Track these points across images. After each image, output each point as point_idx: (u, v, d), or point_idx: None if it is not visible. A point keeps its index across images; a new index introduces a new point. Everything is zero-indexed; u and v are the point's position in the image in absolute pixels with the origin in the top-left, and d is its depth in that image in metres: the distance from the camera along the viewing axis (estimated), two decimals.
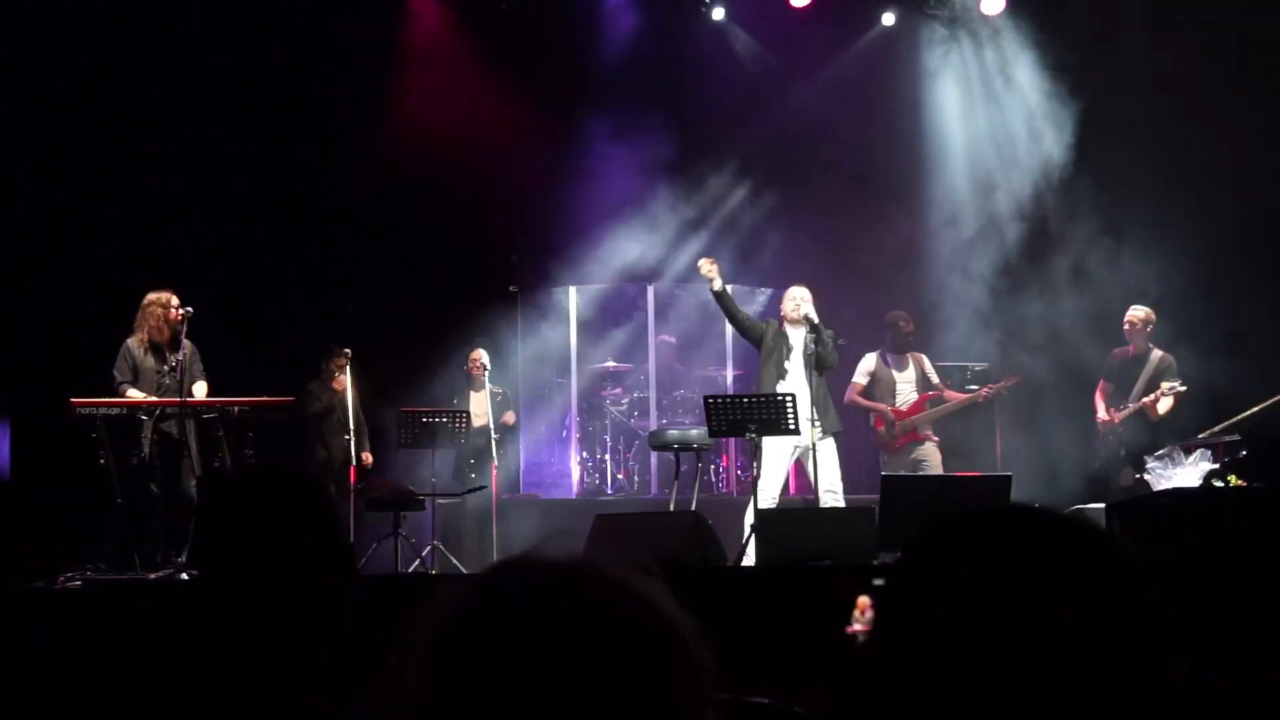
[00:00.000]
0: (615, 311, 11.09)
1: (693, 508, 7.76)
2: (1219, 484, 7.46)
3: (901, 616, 1.08)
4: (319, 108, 10.16)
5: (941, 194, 10.90)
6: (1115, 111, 10.17)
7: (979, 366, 9.68)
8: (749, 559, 6.90)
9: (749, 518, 7.36)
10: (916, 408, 8.87)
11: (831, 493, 7.86)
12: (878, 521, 6.67)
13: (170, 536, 7.61)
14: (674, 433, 8.73)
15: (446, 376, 9.85)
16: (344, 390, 8.92)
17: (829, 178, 10.72)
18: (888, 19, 11.01)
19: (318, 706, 1.86)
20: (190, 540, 7.44)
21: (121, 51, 9.68)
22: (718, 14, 11.00)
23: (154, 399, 7.77)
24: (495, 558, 7.68)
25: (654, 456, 10.19)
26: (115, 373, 7.88)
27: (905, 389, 8.91)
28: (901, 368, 8.97)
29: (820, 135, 10.77)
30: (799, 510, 8.22)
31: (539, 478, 10.81)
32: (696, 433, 8.33)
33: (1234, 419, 8.21)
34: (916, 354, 9.06)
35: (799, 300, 8.10)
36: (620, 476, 10.51)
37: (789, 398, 7.42)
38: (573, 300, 10.91)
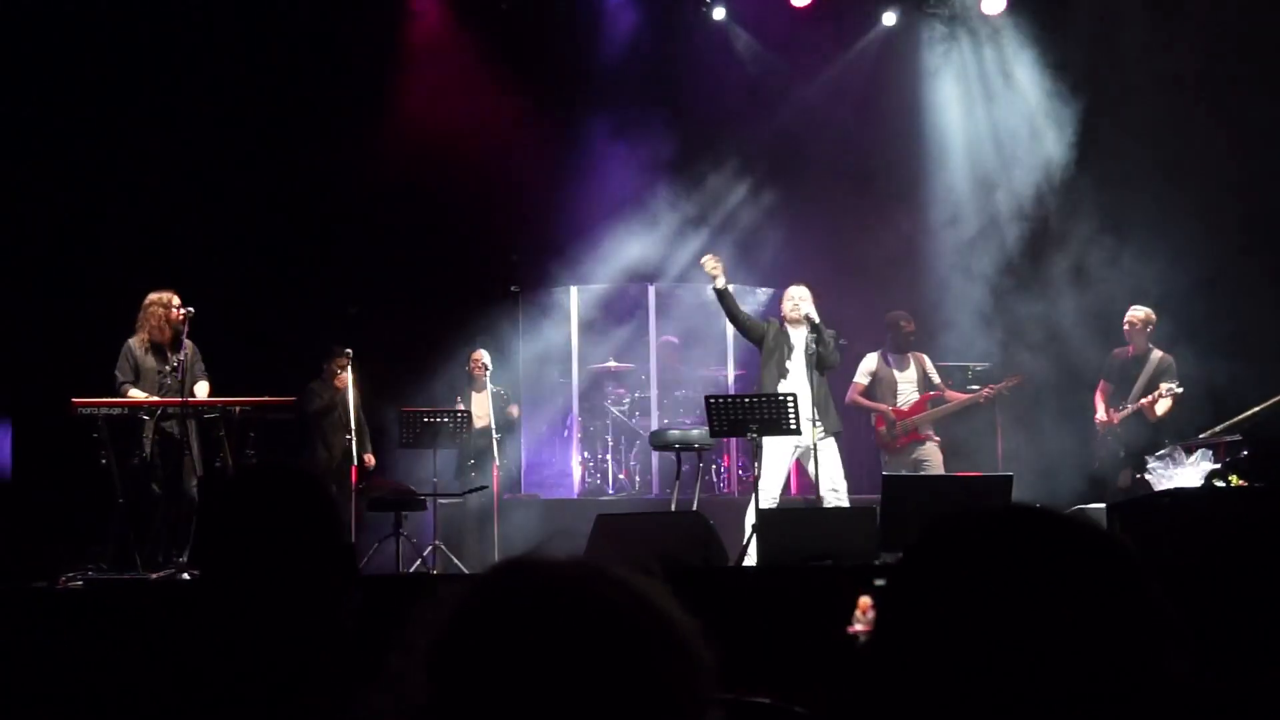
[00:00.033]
0: (616, 311, 11.08)
1: (694, 508, 7.77)
2: (1220, 484, 7.47)
3: (903, 617, 1.08)
4: (319, 108, 10.17)
5: (942, 193, 10.89)
6: (1117, 110, 10.16)
7: (980, 366, 9.67)
8: (750, 559, 6.90)
9: (750, 518, 7.37)
10: (918, 408, 8.86)
11: (835, 491, 7.86)
12: (879, 521, 6.67)
13: (172, 536, 7.62)
14: (675, 433, 8.74)
15: (448, 376, 9.85)
16: (345, 387, 8.93)
17: (830, 177, 10.72)
18: (888, 18, 11.01)
19: (318, 706, 1.86)
20: (191, 540, 7.46)
21: (121, 51, 9.69)
22: (718, 13, 11.00)
23: (155, 399, 7.77)
24: (496, 558, 7.67)
25: (655, 456, 10.19)
26: (117, 373, 7.89)
27: (906, 389, 8.91)
28: (903, 368, 8.97)
29: (821, 134, 10.77)
30: (800, 510, 8.22)
31: (540, 478, 10.81)
32: (698, 433, 8.33)
33: (1235, 419, 8.21)
34: (918, 354, 9.06)
35: (797, 300, 8.10)
36: (621, 476, 10.51)
37: (790, 398, 7.42)
38: (574, 300, 10.91)
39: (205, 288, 8.32)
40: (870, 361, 8.99)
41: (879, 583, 1.15)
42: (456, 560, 8.67)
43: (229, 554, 2.04)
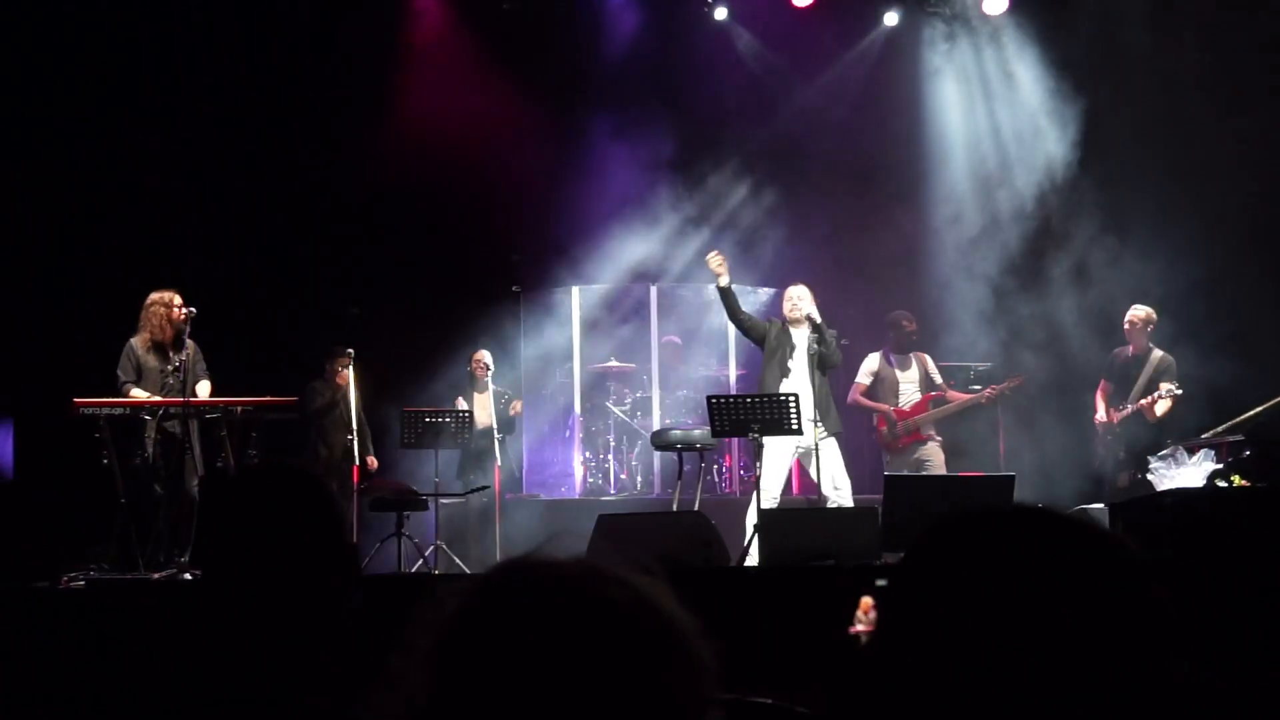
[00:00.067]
0: (618, 311, 11.09)
1: (695, 508, 7.77)
2: (1223, 484, 7.46)
3: (904, 617, 1.08)
4: (319, 107, 10.17)
5: (944, 193, 10.89)
6: (1118, 110, 10.16)
7: (982, 366, 9.67)
8: (751, 559, 6.90)
9: (751, 517, 7.36)
10: (919, 408, 8.86)
11: (838, 490, 7.86)
12: (880, 521, 6.66)
13: (173, 536, 7.62)
14: (677, 433, 8.74)
15: (449, 376, 9.86)
16: (346, 386, 8.93)
17: (831, 177, 10.72)
18: (890, 18, 11.01)
19: (319, 707, 1.86)
20: (193, 540, 7.46)
21: (121, 51, 9.69)
22: (720, 13, 11.00)
23: (157, 399, 7.78)
24: (498, 558, 7.65)
25: (657, 456, 10.18)
26: (119, 372, 7.89)
27: (908, 389, 8.91)
28: (904, 368, 8.97)
29: (822, 134, 10.77)
30: (802, 510, 8.23)
31: (542, 478, 10.82)
32: (699, 433, 8.33)
33: (1237, 419, 8.21)
34: (919, 354, 9.06)
35: (796, 300, 8.10)
36: (623, 476, 10.51)
37: (792, 398, 7.42)
38: (575, 300, 10.91)
39: (207, 287, 8.32)
40: (872, 361, 8.99)
41: (880, 583, 1.15)
42: (458, 560, 8.67)
43: (230, 554, 2.05)
